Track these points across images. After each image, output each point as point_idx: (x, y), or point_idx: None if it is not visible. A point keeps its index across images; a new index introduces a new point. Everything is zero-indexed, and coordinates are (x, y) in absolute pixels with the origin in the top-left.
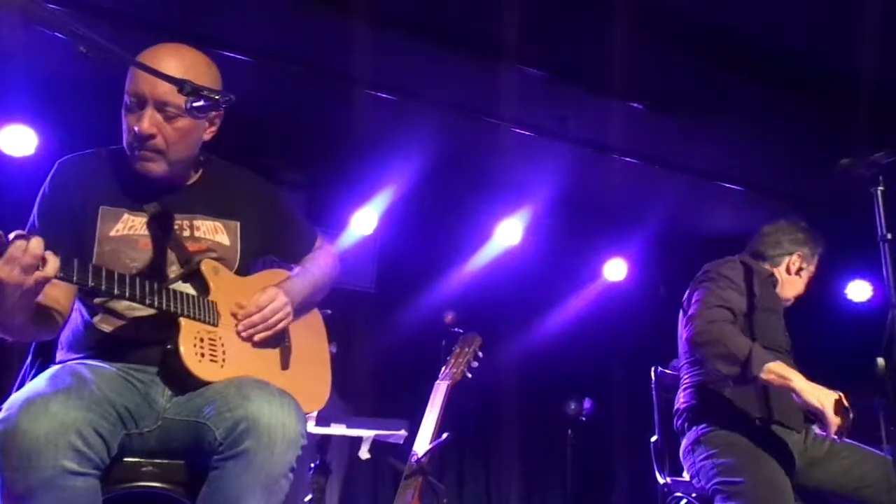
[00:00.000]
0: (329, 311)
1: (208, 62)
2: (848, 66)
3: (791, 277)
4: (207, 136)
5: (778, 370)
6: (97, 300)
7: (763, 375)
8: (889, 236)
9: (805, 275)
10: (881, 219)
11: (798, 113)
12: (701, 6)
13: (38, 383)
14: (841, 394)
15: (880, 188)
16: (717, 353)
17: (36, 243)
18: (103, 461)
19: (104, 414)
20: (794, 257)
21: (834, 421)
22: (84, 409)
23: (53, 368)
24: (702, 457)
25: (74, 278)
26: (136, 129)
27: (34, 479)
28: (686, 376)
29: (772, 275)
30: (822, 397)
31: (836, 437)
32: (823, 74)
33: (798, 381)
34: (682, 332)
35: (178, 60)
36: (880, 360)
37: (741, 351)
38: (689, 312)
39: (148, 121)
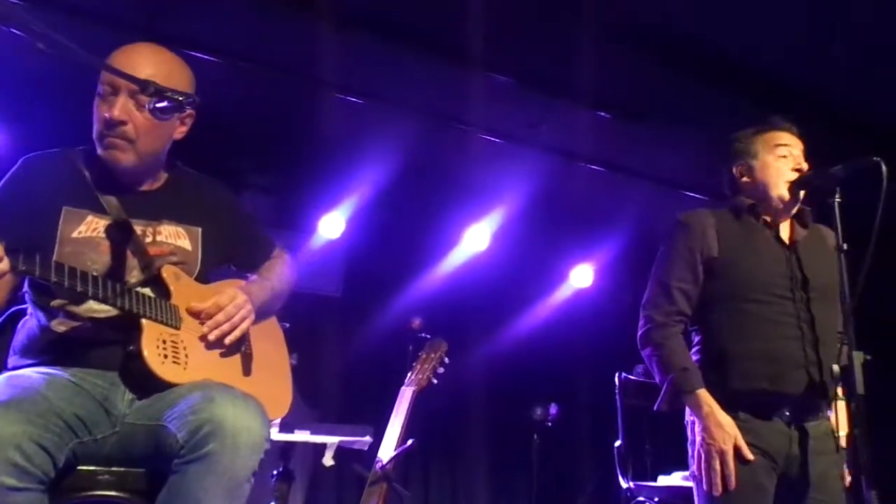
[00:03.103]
0: (287, 325)
1: (182, 64)
2: (812, 78)
3: (753, 183)
4: (178, 135)
5: (700, 399)
6: (55, 303)
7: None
8: (845, 247)
9: (763, 164)
10: (838, 229)
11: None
12: (667, 17)
13: None
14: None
15: (837, 199)
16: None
17: None
18: (47, 474)
19: (48, 425)
20: (736, 172)
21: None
22: (24, 423)
23: None
24: (690, 441)
25: (37, 273)
26: (106, 115)
27: None
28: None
29: (751, 205)
30: (715, 440)
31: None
32: (787, 86)
33: (706, 414)
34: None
35: (148, 60)
36: (835, 367)
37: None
38: (643, 299)
39: (119, 107)
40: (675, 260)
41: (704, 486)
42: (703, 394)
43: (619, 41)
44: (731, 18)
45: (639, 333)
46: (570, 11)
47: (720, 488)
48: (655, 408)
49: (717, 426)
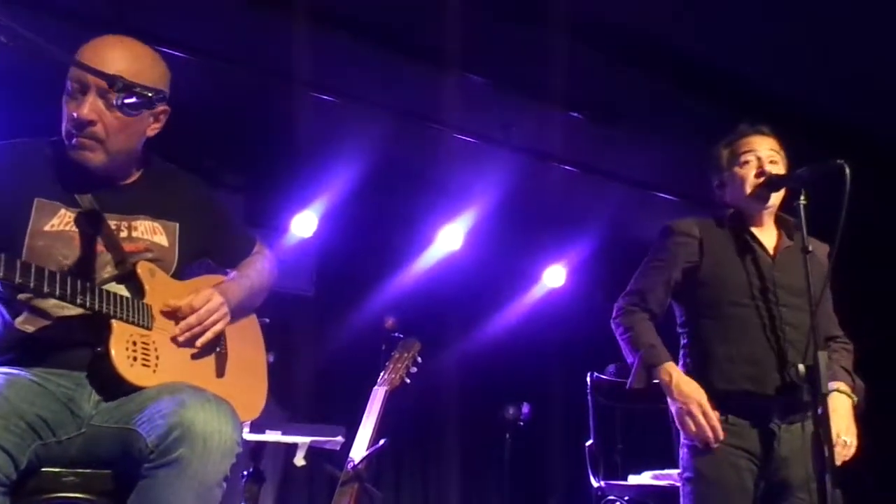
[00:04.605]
0: (267, 320)
1: (155, 58)
2: (782, 83)
3: (728, 194)
4: (151, 132)
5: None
6: (22, 297)
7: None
8: (810, 248)
9: (731, 175)
10: (804, 230)
11: (731, 127)
12: (639, 20)
13: None
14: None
15: (803, 202)
16: (623, 339)
17: None
18: (8, 477)
19: (8, 426)
20: (715, 186)
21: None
22: None
23: None
24: (679, 443)
25: (1, 274)
26: (75, 114)
27: None
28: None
29: (731, 215)
30: (687, 397)
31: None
32: (758, 88)
33: (674, 381)
34: None
35: (119, 54)
36: (801, 367)
37: (638, 347)
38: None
39: (88, 107)
40: (656, 261)
41: (699, 444)
42: (669, 365)
43: (592, 43)
44: (704, 22)
45: (611, 319)
46: (543, 13)
47: (712, 436)
48: (628, 385)
49: (685, 384)
